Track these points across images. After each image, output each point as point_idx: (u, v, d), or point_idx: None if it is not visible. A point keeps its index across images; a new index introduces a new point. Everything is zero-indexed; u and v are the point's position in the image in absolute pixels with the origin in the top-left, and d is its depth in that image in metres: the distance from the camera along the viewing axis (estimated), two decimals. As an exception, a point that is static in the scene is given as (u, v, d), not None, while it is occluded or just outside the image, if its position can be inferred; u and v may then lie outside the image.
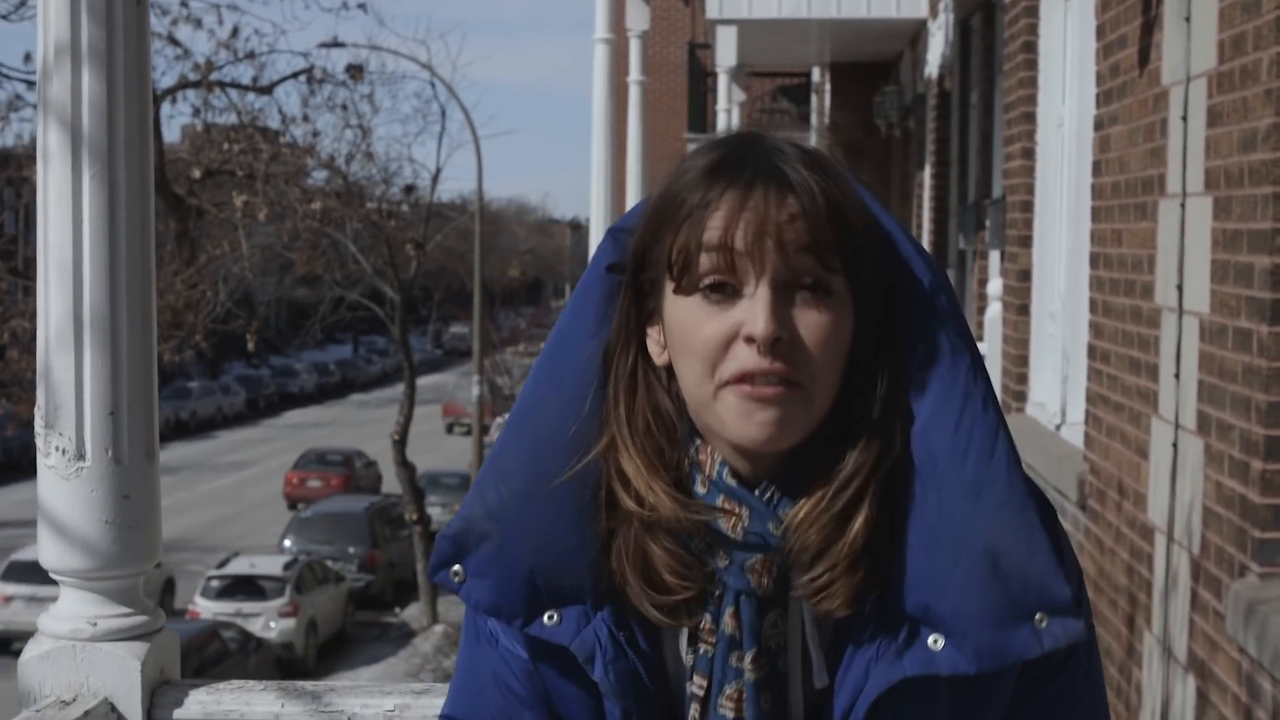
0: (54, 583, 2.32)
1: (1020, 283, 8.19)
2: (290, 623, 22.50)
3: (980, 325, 9.40)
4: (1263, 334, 4.09)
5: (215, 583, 23.18)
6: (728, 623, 1.59)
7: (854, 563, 1.56)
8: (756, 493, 1.59)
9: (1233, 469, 4.33)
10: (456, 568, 1.65)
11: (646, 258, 1.61)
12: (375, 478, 35.30)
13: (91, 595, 2.29)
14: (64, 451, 2.24)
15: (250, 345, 18.29)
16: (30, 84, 14.01)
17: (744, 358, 1.54)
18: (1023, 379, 8.23)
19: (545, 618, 1.62)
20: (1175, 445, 4.97)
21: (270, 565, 23.74)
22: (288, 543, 26.70)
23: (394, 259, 23.96)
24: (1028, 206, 8.07)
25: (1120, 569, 5.75)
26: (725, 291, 1.55)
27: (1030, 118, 8.02)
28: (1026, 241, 8.10)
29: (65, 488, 2.25)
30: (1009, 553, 1.55)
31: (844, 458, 1.57)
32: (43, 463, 2.27)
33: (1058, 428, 7.47)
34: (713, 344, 1.55)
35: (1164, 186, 5.16)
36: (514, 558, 1.62)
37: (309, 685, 2.37)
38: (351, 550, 26.36)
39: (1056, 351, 7.67)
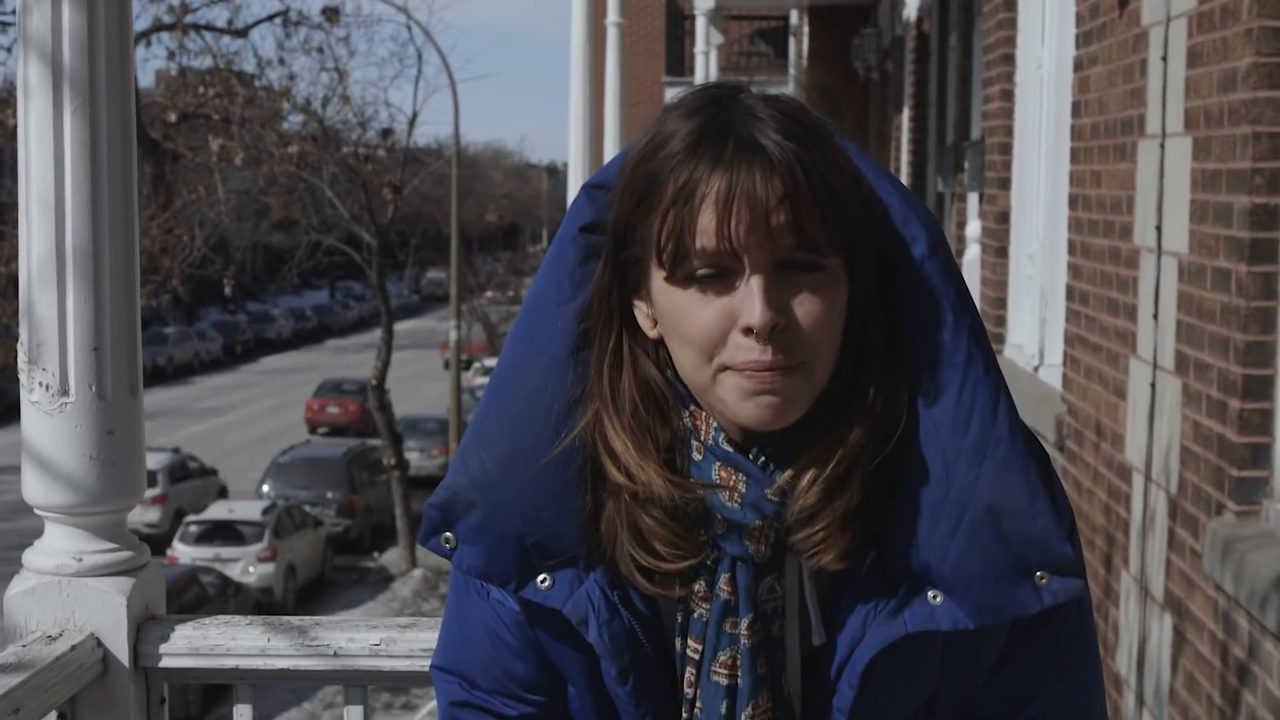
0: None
1: (999, 225, 8.19)
2: (269, 568, 22.54)
3: (959, 268, 9.41)
4: (1241, 274, 4.11)
5: (194, 528, 23.19)
6: (723, 588, 1.59)
7: (848, 520, 1.56)
8: (751, 457, 1.58)
9: (1211, 408, 4.36)
10: (447, 535, 1.64)
11: (629, 235, 1.58)
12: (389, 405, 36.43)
13: (76, 531, 2.29)
14: (47, 387, 2.24)
15: (227, 290, 18.25)
16: (5, 26, 13.89)
17: (743, 348, 1.52)
18: (1001, 321, 8.25)
19: (538, 581, 1.62)
20: (1153, 385, 4.99)
21: (249, 510, 23.76)
22: (266, 488, 26.71)
23: (371, 204, 23.88)
24: (1006, 149, 8.07)
25: (1098, 509, 5.79)
26: (718, 279, 1.52)
27: (1009, 59, 8.01)
28: (1005, 184, 8.11)
29: (49, 423, 2.25)
30: (1012, 514, 1.56)
31: (842, 423, 1.57)
32: (26, 399, 2.26)
33: (1035, 369, 7.50)
34: (709, 334, 1.53)
35: (1143, 127, 5.16)
36: (501, 525, 1.61)
37: (295, 620, 2.37)
38: (330, 495, 26.38)
39: (1035, 293, 7.69)
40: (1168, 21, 4.88)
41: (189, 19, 15.82)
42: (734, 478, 1.57)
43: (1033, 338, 7.67)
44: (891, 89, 14.97)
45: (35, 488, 2.28)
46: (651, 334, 1.60)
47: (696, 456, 1.59)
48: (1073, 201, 6.36)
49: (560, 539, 1.60)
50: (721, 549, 1.58)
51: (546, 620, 1.64)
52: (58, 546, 2.29)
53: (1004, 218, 8.14)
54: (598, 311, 1.61)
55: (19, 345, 2.26)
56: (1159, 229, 4.94)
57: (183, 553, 22.52)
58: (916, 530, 1.57)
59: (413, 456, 28.21)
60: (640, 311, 1.60)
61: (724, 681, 1.60)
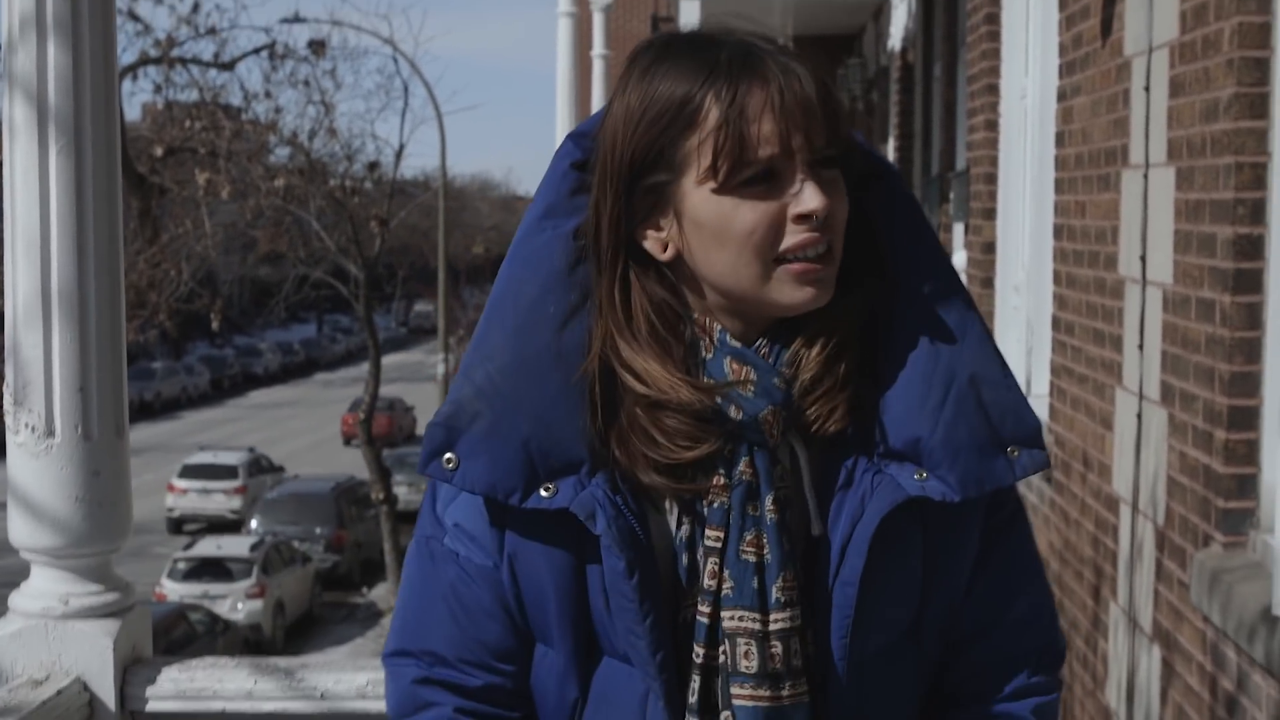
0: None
1: (984, 255, 8.21)
2: (258, 604, 22.45)
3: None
4: (1225, 304, 4.12)
5: (182, 565, 23.11)
6: (744, 472, 1.70)
7: (847, 384, 1.71)
8: (756, 349, 1.72)
9: (1197, 439, 4.36)
10: (449, 455, 1.71)
11: (648, 162, 1.69)
12: (412, 421, 38.63)
13: (63, 573, 2.29)
14: (33, 428, 2.23)
15: (214, 325, 18.23)
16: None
17: (799, 236, 1.67)
18: (988, 351, 8.25)
19: (542, 490, 1.69)
20: (1139, 416, 4.99)
21: (237, 547, 23.68)
22: (254, 524, 26.63)
23: (358, 236, 23.87)
24: (991, 179, 8.08)
25: (1085, 540, 5.79)
26: (765, 182, 1.67)
27: (993, 89, 8.03)
28: (990, 214, 8.12)
29: (35, 465, 2.24)
30: (991, 383, 1.74)
31: (841, 311, 1.72)
32: (12, 440, 2.26)
33: (1023, 399, 7.49)
34: (762, 230, 1.66)
35: (1127, 157, 5.18)
36: (507, 430, 1.69)
37: (281, 661, 2.36)
38: (318, 531, 26.30)
39: (1021, 324, 7.70)
40: (1150, 52, 4.90)
41: (175, 53, 15.82)
42: (744, 370, 1.70)
43: (1019, 368, 7.68)
44: (877, 119, 15.01)
45: (21, 530, 2.27)
46: (663, 257, 1.72)
47: (707, 355, 1.72)
48: (1058, 232, 6.37)
49: (563, 442, 1.69)
50: (741, 436, 1.70)
51: (540, 531, 1.71)
52: (44, 589, 2.28)
53: (990, 248, 8.15)
54: (604, 242, 1.72)
55: (4, 386, 2.26)
56: (1143, 259, 4.95)
57: (171, 590, 22.43)
58: (907, 404, 1.72)
59: (401, 491, 28.12)
60: (652, 240, 1.72)
61: (753, 559, 1.69)
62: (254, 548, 23.58)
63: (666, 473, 1.69)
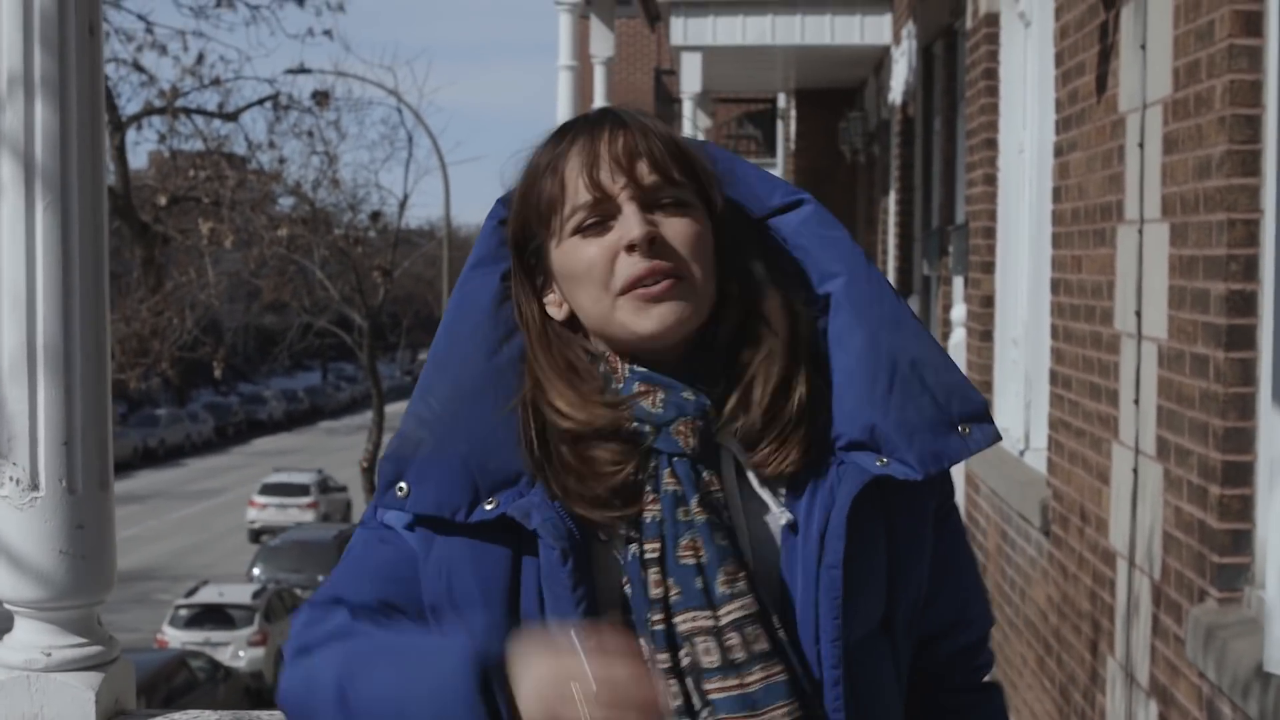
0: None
1: (983, 309, 8.22)
2: (259, 651, 22.38)
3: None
4: (1219, 360, 4.12)
5: (183, 611, 23.05)
6: (668, 483, 1.78)
7: (796, 427, 1.81)
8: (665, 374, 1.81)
9: (1191, 494, 4.36)
10: (400, 484, 1.81)
11: (526, 232, 1.85)
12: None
13: (46, 625, 2.29)
14: (18, 481, 2.24)
15: (217, 372, 18.24)
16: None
17: (630, 265, 1.78)
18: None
19: (485, 505, 1.78)
20: (1135, 470, 4.99)
21: (239, 594, 23.62)
22: (256, 571, 26.57)
23: (361, 285, 23.93)
24: (990, 233, 8.11)
25: (1083, 594, 5.78)
26: (597, 224, 1.80)
27: (992, 144, 8.06)
28: (989, 267, 8.14)
29: (19, 518, 2.25)
30: (932, 367, 1.84)
31: (757, 344, 1.82)
32: (-4, 493, 2.27)
33: (1021, 453, 7.50)
34: (598, 265, 1.79)
35: (1122, 213, 5.19)
36: (449, 452, 1.80)
37: (265, 714, 2.36)
38: (320, 578, 26.18)
39: (1019, 377, 7.71)
40: (1144, 108, 4.93)
41: (179, 103, 15.89)
42: (653, 392, 1.80)
43: (1018, 422, 7.68)
44: (878, 172, 15.06)
45: (4, 582, 2.28)
46: (560, 316, 1.85)
47: (618, 386, 1.82)
48: (1055, 286, 6.39)
49: (500, 458, 1.80)
50: (659, 453, 1.79)
51: (479, 539, 1.79)
52: (27, 641, 2.29)
53: (988, 301, 8.17)
54: (518, 306, 1.86)
55: (-11, 440, 2.27)
56: (1139, 314, 4.96)
57: (172, 636, 22.36)
58: (857, 395, 1.81)
59: (403, 539, 28.03)
60: (550, 303, 1.86)
61: (691, 561, 1.76)
62: (256, 595, 23.52)
63: (600, 502, 1.78)
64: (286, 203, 21.13)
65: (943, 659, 1.98)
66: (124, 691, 2.33)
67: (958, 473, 8.67)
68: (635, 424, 1.79)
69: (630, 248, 1.77)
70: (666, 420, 1.79)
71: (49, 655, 2.28)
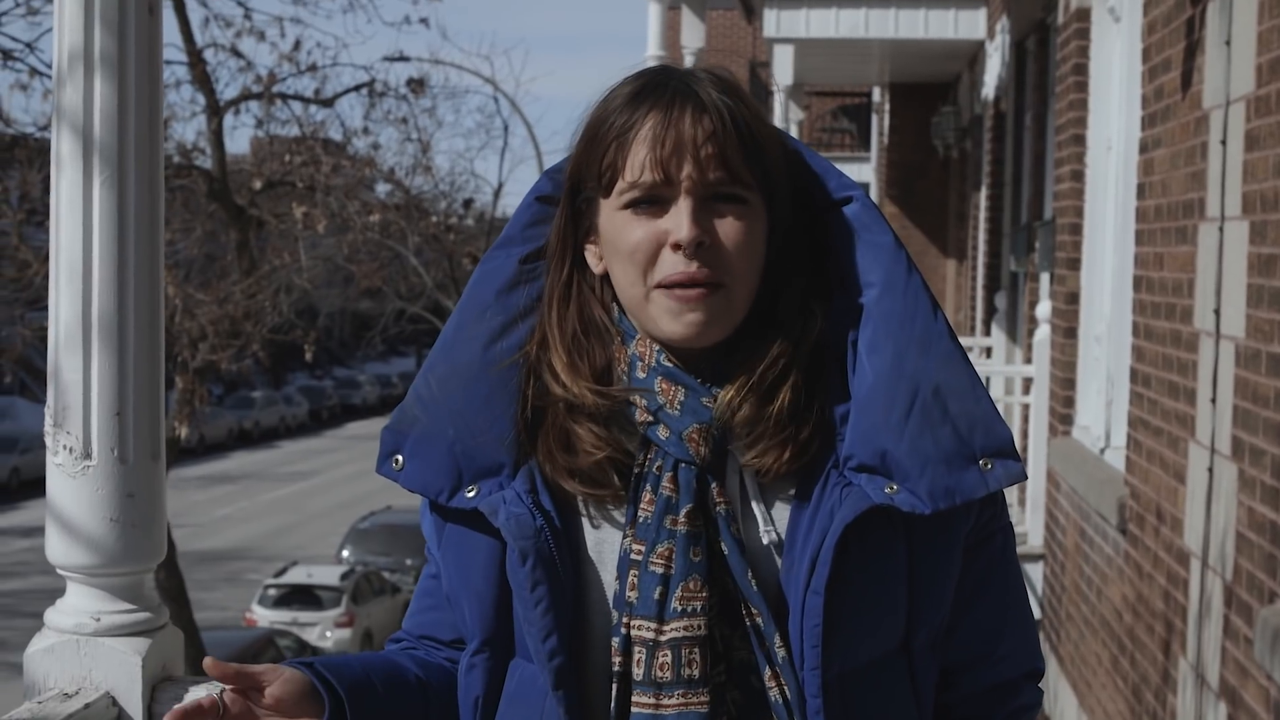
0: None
1: (1068, 305, 8.16)
2: (346, 633, 22.60)
3: (1029, 348, 9.37)
4: (1294, 359, 4.08)
5: (272, 591, 23.32)
6: (665, 487, 1.76)
7: (781, 427, 1.75)
8: (690, 375, 1.78)
9: (1265, 495, 4.31)
10: (397, 456, 1.84)
11: (582, 178, 1.81)
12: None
13: (96, 591, 2.34)
14: (71, 450, 2.29)
15: (308, 356, 18.41)
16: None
17: (671, 263, 1.74)
18: (1069, 402, 8.20)
19: (466, 491, 1.80)
20: (1211, 470, 4.95)
21: (327, 575, 23.86)
22: (345, 553, 26.83)
23: (455, 273, 24.05)
24: (1076, 229, 8.04)
25: (1157, 594, 5.73)
26: (652, 204, 1.75)
27: (1080, 140, 8.00)
28: (1075, 264, 8.07)
29: (72, 485, 2.30)
30: (957, 394, 1.76)
31: (767, 346, 1.78)
32: (51, 461, 2.32)
33: (1102, 451, 7.44)
34: (641, 250, 1.75)
35: (1204, 210, 5.14)
36: (438, 432, 1.82)
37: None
38: (409, 562, 26.43)
39: (1101, 375, 7.64)
40: (1227, 105, 4.87)
41: (276, 89, 16.06)
42: (674, 389, 1.76)
43: (1099, 420, 7.62)
44: (970, 167, 14.96)
45: (57, 547, 2.33)
46: (597, 269, 1.83)
47: (641, 375, 1.79)
48: (1137, 284, 6.33)
49: (486, 446, 1.80)
50: (665, 454, 1.76)
51: (468, 521, 1.81)
52: (77, 606, 2.34)
53: (1073, 298, 8.11)
54: (553, 249, 1.84)
55: (45, 409, 2.32)
56: (1217, 313, 4.91)
57: (260, 615, 22.63)
58: (873, 417, 1.75)
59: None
60: (590, 253, 1.83)
61: (659, 570, 1.74)
62: (344, 576, 23.75)
63: (579, 478, 1.77)
64: (382, 189, 21.32)
65: (967, 695, 1.89)
66: (171, 658, 2.37)
67: (1036, 470, 8.61)
68: (647, 417, 1.77)
69: (676, 246, 1.74)
70: (683, 426, 1.75)
71: (98, 620, 2.33)
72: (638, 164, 1.75)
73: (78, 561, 2.31)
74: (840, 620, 1.72)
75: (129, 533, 2.30)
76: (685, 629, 1.72)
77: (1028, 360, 9.85)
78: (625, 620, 1.75)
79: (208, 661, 1.78)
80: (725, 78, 1.81)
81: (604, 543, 1.79)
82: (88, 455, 2.28)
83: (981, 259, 13.07)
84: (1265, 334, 4.35)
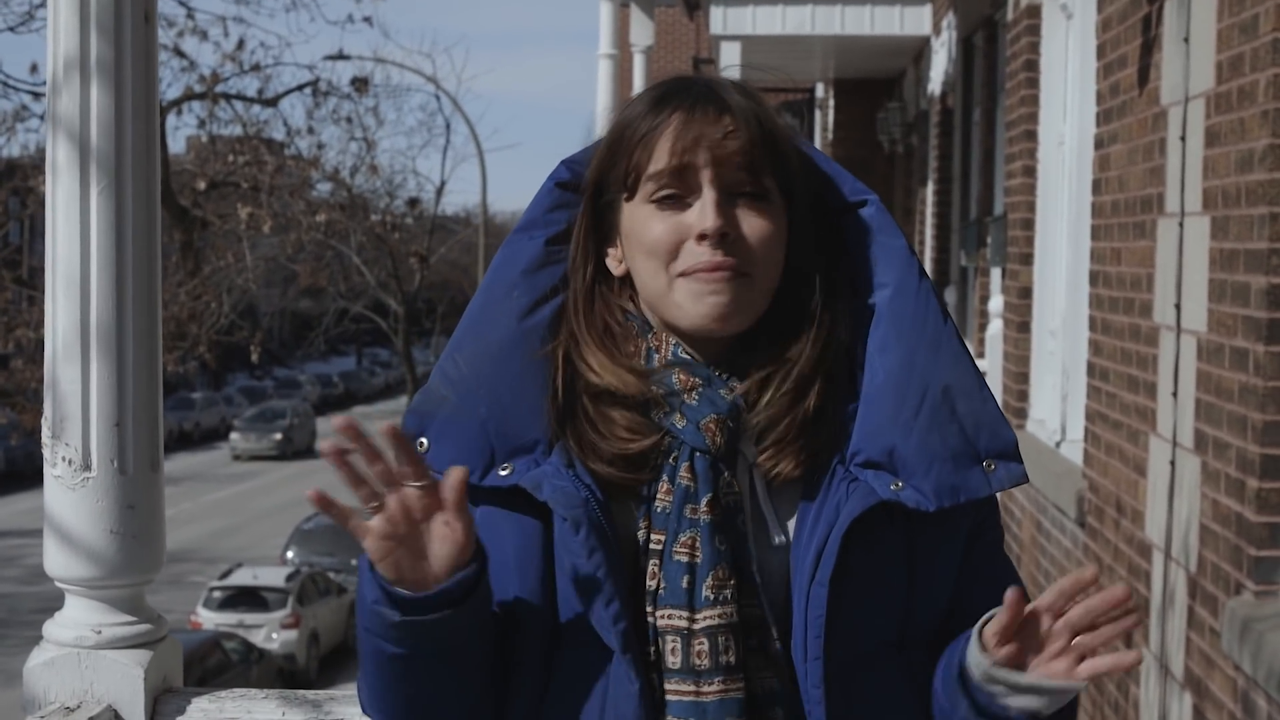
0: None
1: (1021, 300, 8.21)
2: (292, 634, 22.47)
3: (981, 342, 9.43)
4: (1259, 353, 4.12)
5: (217, 593, 23.17)
6: (683, 476, 1.77)
7: (802, 430, 1.79)
8: (706, 367, 1.80)
9: (1229, 487, 4.36)
10: (421, 439, 1.82)
11: (604, 182, 1.84)
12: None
13: (96, 604, 2.33)
14: (70, 462, 2.28)
15: (254, 356, 18.34)
16: (36, 95, 14.04)
17: (695, 254, 1.78)
18: (1023, 396, 8.25)
19: (500, 470, 1.79)
20: (1173, 463, 4.99)
21: (273, 576, 23.73)
22: (290, 554, 26.68)
23: (398, 271, 24.00)
24: (1029, 224, 8.10)
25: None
26: (675, 200, 1.79)
27: (1031, 135, 8.05)
28: (1027, 259, 8.13)
29: (71, 497, 2.29)
30: (965, 395, 1.80)
31: (791, 345, 1.81)
32: (49, 472, 2.30)
33: (1058, 445, 7.50)
34: (664, 243, 1.79)
35: (1162, 205, 5.19)
36: (468, 412, 1.81)
37: (310, 694, 2.39)
38: (354, 562, 26.07)
39: (1056, 369, 7.70)
40: (1186, 101, 4.92)
41: (219, 88, 15.97)
42: (691, 380, 1.79)
43: (1054, 413, 7.67)
44: (916, 163, 15.03)
45: (56, 560, 2.31)
46: (618, 272, 1.85)
47: (659, 368, 1.81)
48: (1093, 278, 6.38)
49: (519, 423, 1.80)
50: (682, 441, 1.77)
51: (502, 501, 1.79)
52: (77, 619, 2.32)
53: (1026, 293, 8.16)
54: (575, 253, 1.86)
55: (43, 420, 2.30)
56: (1178, 307, 4.96)
57: (206, 618, 22.48)
58: (882, 415, 1.78)
59: (437, 524, 28.05)
60: (611, 257, 1.86)
61: (684, 559, 1.75)
62: (290, 578, 23.62)
63: (613, 463, 1.77)
64: (325, 188, 21.26)
65: None
66: (172, 669, 2.36)
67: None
68: (664, 406, 1.78)
69: (701, 237, 1.77)
70: (700, 416, 1.77)
71: (99, 633, 2.31)
72: (661, 158, 1.78)
73: (78, 574, 2.29)
74: (843, 611, 1.75)
75: (129, 544, 2.28)
76: (720, 616, 1.74)
77: (979, 355, 9.91)
78: (649, 609, 1.75)
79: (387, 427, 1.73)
80: (745, 85, 1.85)
81: (630, 529, 1.80)
82: (87, 467, 2.26)
83: (929, 254, 13.13)
84: (1228, 328, 4.39)
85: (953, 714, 1.77)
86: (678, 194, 1.79)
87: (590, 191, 1.86)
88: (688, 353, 1.81)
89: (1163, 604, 5.10)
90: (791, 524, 1.79)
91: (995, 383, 9.00)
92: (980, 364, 9.59)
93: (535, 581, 1.79)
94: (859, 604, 1.76)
